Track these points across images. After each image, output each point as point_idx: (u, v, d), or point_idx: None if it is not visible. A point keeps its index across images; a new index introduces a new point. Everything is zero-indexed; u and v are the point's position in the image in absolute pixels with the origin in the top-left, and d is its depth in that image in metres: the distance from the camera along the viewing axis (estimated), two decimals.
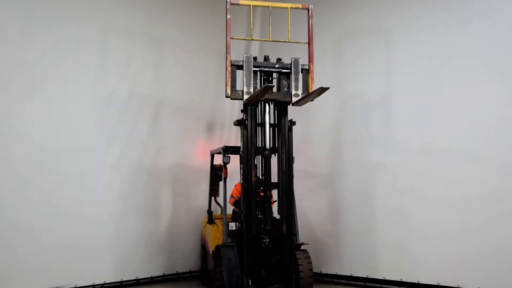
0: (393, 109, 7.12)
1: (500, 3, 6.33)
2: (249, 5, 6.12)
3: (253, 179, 5.89)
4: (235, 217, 6.54)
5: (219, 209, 7.19)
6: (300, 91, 5.95)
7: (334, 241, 7.55)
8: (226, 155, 6.47)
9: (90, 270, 6.72)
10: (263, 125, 6.10)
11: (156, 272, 7.50)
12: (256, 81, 6.00)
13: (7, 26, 6.30)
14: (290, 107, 6.08)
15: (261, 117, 6.15)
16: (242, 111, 6.04)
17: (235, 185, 6.87)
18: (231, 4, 5.96)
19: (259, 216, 6.03)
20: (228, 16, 5.94)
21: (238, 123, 6.01)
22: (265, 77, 6.10)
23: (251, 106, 5.95)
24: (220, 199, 6.91)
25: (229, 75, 5.82)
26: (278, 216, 6.12)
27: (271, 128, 6.11)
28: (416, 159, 6.79)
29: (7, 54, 6.26)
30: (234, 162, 6.46)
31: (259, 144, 6.12)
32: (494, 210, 6.10)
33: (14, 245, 6.10)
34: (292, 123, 6.08)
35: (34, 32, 6.47)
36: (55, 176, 6.52)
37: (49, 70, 6.59)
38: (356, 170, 7.43)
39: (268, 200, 6.04)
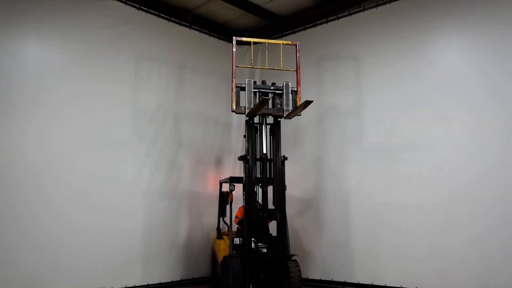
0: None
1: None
2: (250, 41, 6.98)
3: (253, 179, 6.46)
4: (239, 233, 6.96)
5: (226, 227, 7.48)
6: (290, 107, 6.69)
7: (318, 252, 7.96)
8: (232, 183, 6.96)
9: (123, 275, 7.24)
10: (261, 159, 6.67)
11: (175, 277, 7.95)
12: (255, 100, 6.68)
13: (71, 62, 7.08)
14: (283, 131, 6.81)
15: (259, 127, 6.82)
16: (244, 136, 6.76)
17: (239, 208, 7.30)
18: (236, 40, 6.82)
19: (258, 207, 6.58)
20: (233, 49, 6.74)
21: (241, 158, 6.57)
22: (263, 97, 6.69)
23: (252, 118, 6.67)
24: (227, 219, 7.34)
25: (234, 95, 6.54)
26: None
27: (267, 162, 6.64)
28: (382, 183, 7.39)
29: (67, 83, 6.99)
30: (238, 189, 7.02)
31: (258, 175, 6.62)
32: (445, 232, 6.63)
33: (62, 255, 6.61)
34: (285, 158, 6.62)
35: (86, 64, 7.20)
36: (97, 198, 7.06)
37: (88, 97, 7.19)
38: (335, 195, 7.92)
39: (265, 195, 6.49)
